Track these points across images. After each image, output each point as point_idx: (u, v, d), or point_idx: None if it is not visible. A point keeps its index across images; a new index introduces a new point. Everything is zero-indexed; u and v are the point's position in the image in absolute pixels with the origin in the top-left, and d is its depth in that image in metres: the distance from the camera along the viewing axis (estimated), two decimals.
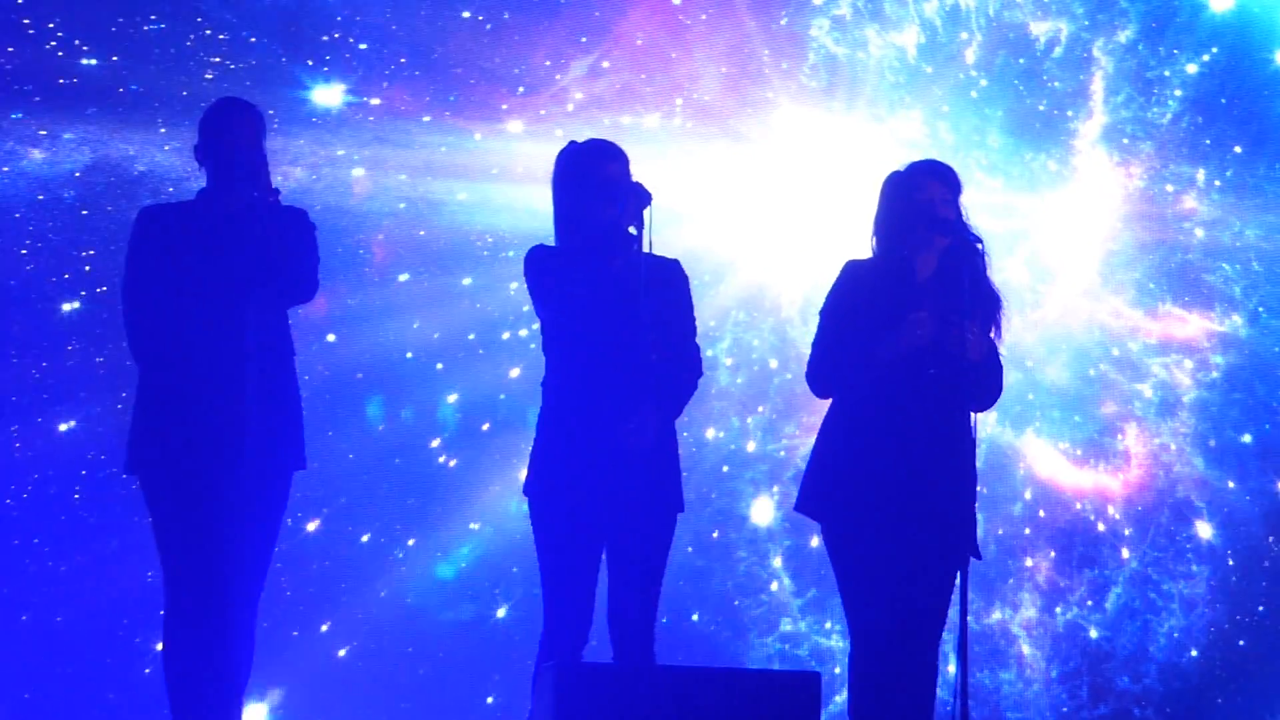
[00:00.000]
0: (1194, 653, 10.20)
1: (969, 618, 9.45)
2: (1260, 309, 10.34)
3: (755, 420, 10.09)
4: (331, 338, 8.92)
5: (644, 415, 5.81)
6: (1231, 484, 10.31)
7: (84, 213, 8.51)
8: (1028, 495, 10.25)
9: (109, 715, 8.32)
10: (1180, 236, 10.39)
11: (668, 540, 5.98)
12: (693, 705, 5.16)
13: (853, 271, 6.00)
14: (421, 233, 9.23)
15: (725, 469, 9.83)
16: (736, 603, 9.89)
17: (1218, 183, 10.40)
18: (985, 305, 5.99)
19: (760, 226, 9.96)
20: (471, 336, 9.35)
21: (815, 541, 9.66)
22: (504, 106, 9.29)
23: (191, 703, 5.55)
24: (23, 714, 8.18)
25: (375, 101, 8.97)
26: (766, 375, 10.14)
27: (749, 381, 10.08)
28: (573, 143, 6.08)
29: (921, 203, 5.94)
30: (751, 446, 10.07)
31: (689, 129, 9.78)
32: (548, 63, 9.40)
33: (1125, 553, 10.27)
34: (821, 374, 6.02)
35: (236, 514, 5.54)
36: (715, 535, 9.91)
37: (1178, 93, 10.32)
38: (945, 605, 5.88)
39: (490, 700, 9.17)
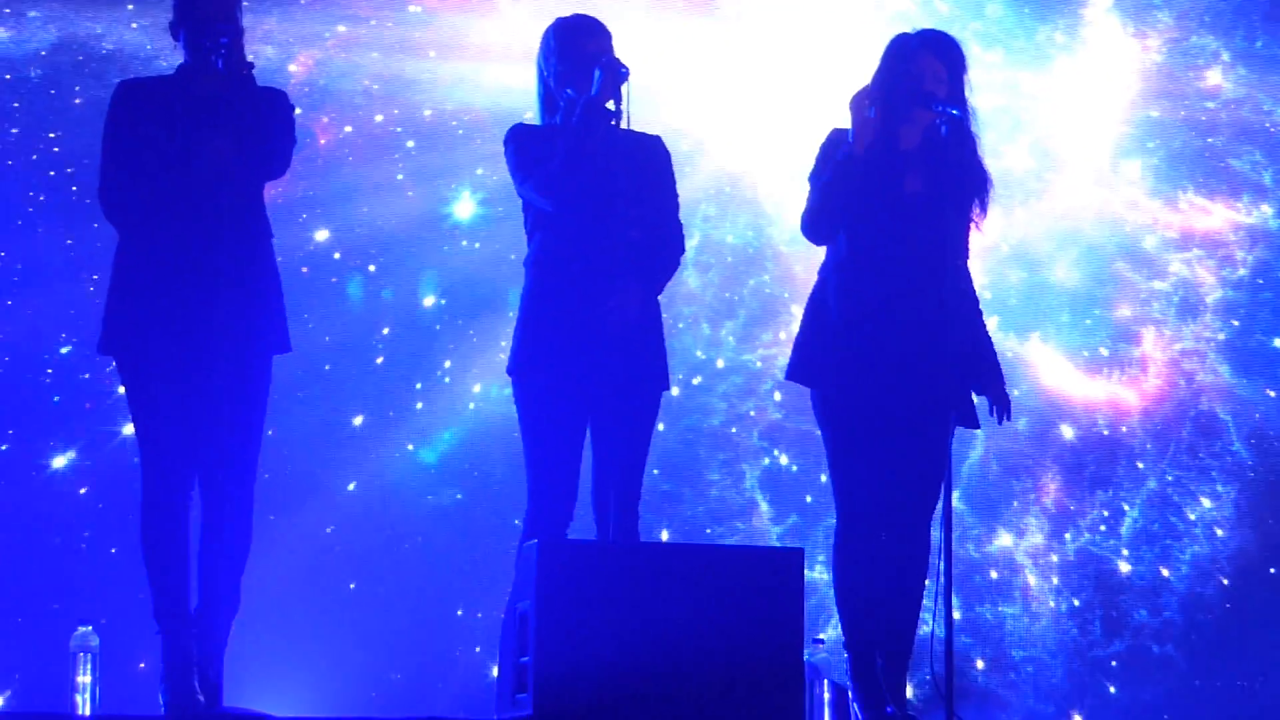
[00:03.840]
0: (1221, 582, 10.11)
1: (968, 545, 9.69)
2: None
3: (728, 328, 10.03)
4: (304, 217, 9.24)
5: (626, 291, 6.15)
6: (1261, 393, 10.21)
7: (51, 92, 9.00)
8: (1035, 408, 10.13)
9: (99, 602, 8.40)
10: (1203, 117, 10.19)
11: (652, 417, 6.35)
12: (675, 581, 5.54)
13: (837, 139, 6.30)
14: (395, 110, 9.55)
15: (696, 381, 9.74)
16: (709, 530, 9.85)
17: (1245, 56, 10.22)
18: (972, 185, 6.33)
19: (734, 109, 9.88)
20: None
21: (795, 464, 9.87)
22: None
23: (174, 588, 5.87)
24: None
25: None
26: (740, 277, 10.08)
27: (722, 284, 10.04)
28: (558, 19, 6.37)
29: (909, 74, 6.22)
30: (724, 357, 10.04)
31: (658, 2, 9.83)
32: None
33: (1143, 471, 10.22)
34: (816, 221, 6.33)
35: (214, 396, 5.83)
36: (685, 456, 9.88)
37: None
38: (938, 475, 6.06)
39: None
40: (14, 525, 8.81)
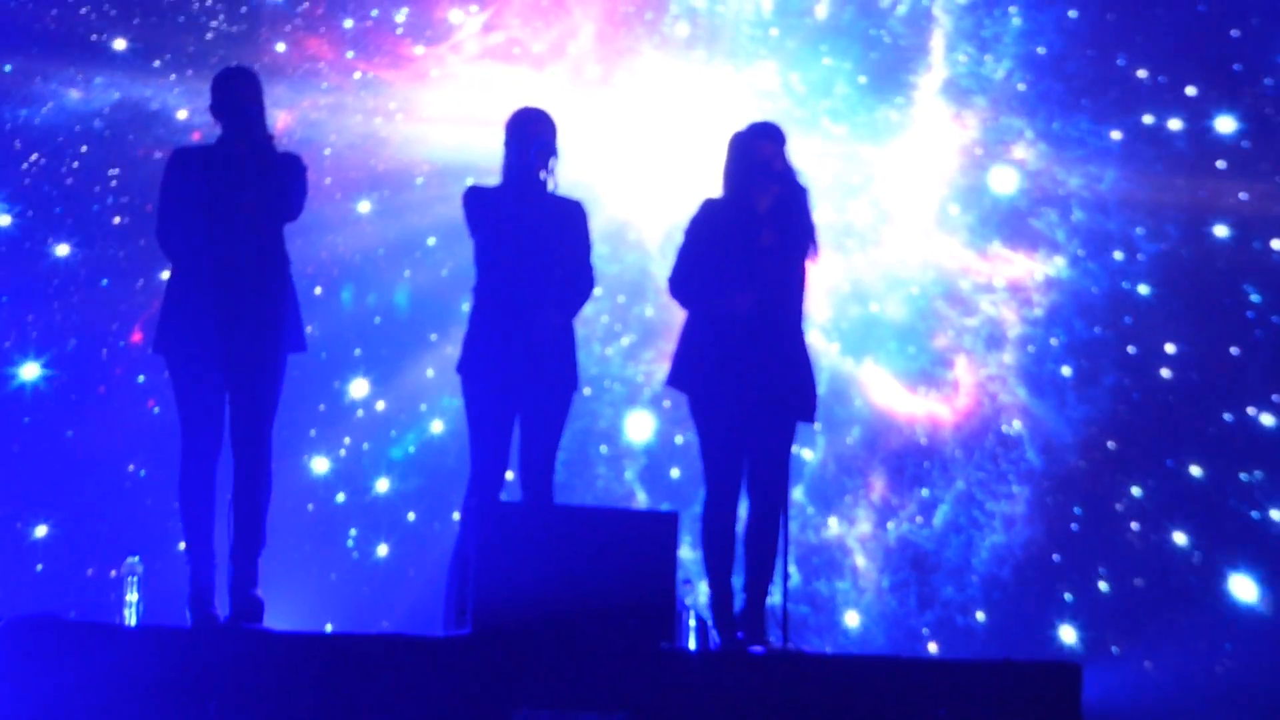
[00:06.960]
0: (1013, 566, 10.58)
1: (808, 532, 10.40)
2: (1079, 252, 10.73)
3: (615, 348, 10.55)
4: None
5: (547, 314, 7.11)
6: (1051, 412, 10.66)
7: (110, 138, 10.44)
8: (866, 420, 10.66)
9: (144, 538, 9.25)
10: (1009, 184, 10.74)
11: (565, 409, 7.27)
12: (580, 534, 6.32)
13: (708, 207, 7.25)
14: (371, 161, 10.63)
15: (587, 391, 10.09)
16: None
17: (1044, 135, 10.75)
18: (807, 234, 7.22)
19: (626, 166, 10.45)
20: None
21: (675, 473, 10.34)
22: (419, 56, 10.73)
23: (201, 532, 6.82)
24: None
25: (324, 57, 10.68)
26: (628, 305, 10.62)
27: (611, 311, 10.56)
28: (517, 110, 7.38)
29: (757, 159, 7.16)
30: (611, 371, 10.53)
31: (566, 76, 10.47)
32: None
33: (953, 474, 10.68)
34: (680, 289, 7.30)
35: (242, 386, 6.80)
36: (576, 453, 10.36)
37: (1010, 51, 10.70)
38: (784, 458, 7.10)
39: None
40: (80, 483, 9.91)
